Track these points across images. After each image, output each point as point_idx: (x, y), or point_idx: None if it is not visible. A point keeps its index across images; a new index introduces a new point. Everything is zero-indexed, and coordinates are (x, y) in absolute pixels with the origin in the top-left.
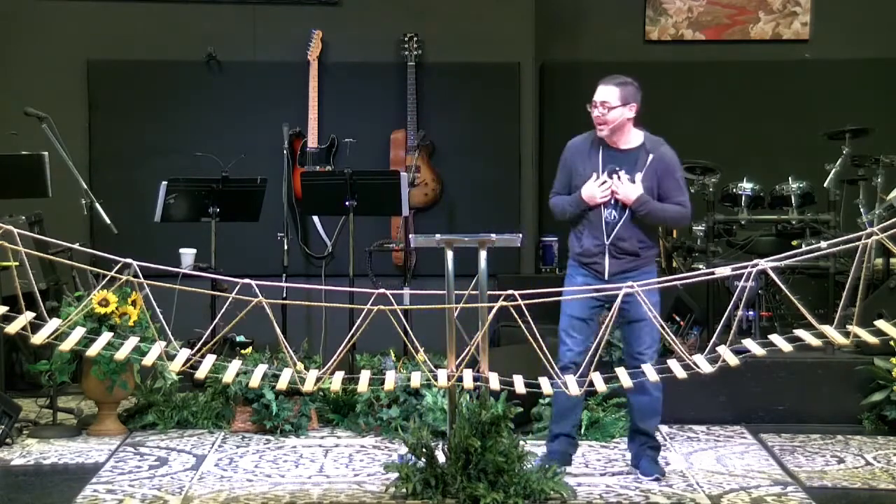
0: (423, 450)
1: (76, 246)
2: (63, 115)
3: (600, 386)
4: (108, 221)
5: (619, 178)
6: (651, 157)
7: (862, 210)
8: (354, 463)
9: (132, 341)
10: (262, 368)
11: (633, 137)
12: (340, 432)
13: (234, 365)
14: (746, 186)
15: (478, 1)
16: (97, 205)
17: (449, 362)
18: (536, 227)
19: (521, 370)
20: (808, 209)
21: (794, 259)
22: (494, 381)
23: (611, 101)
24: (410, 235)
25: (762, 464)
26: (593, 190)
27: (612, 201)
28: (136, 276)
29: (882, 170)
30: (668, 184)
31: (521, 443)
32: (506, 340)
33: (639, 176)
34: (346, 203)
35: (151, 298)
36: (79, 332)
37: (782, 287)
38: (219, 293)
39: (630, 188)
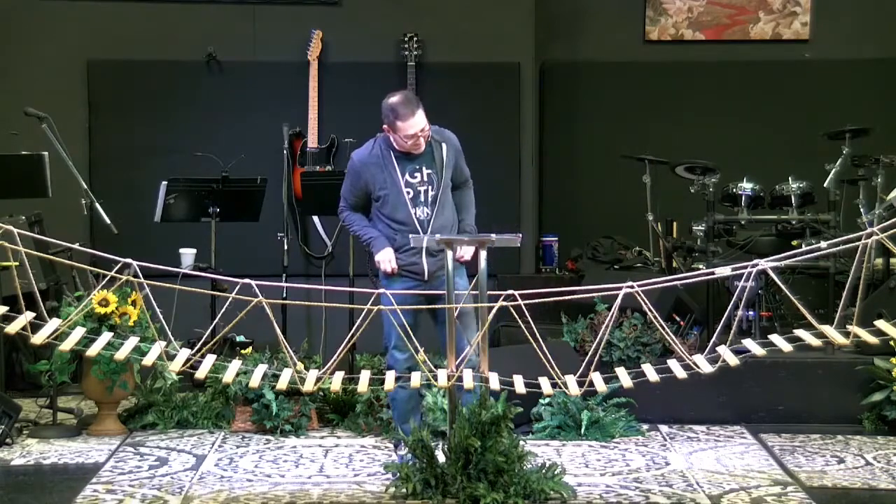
0: (423, 450)
1: (76, 246)
2: (63, 115)
3: (600, 386)
4: (108, 221)
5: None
6: (444, 146)
7: (862, 210)
8: (354, 463)
9: (132, 341)
10: (262, 368)
11: None
12: (340, 432)
13: (234, 365)
14: (746, 186)
15: (478, 1)
16: (97, 205)
17: (449, 362)
18: (536, 227)
19: (521, 370)
20: (808, 209)
21: (794, 259)
22: (494, 381)
23: (426, 125)
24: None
25: (762, 464)
26: (386, 260)
27: (423, 198)
28: (136, 276)
29: (882, 170)
30: (460, 163)
31: (521, 443)
32: (506, 340)
33: (443, 168)
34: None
35: (151, 298)
36: (79, 332)
37: (782, 287)
38: (219, 293)
39: (468, 251)
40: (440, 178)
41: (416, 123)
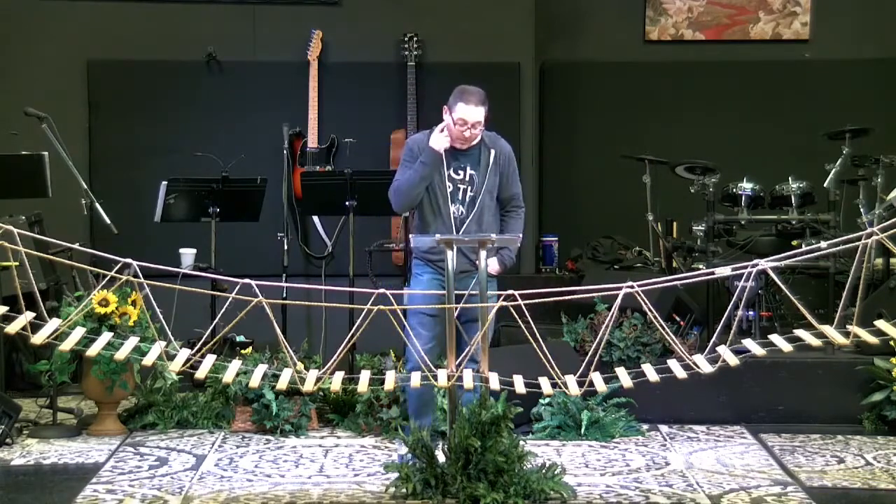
0: (423, 450)
1: (76, 246)
2: (63, 115)
3: (600, 386)
4: (108, 221)
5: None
6: (493, 152)
7: (862, 210)
8: (354, 463)
9: (132, 341)
10: (262, 368)
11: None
12: (340, 432)
13: (234, 365)
14: (746, 186)
15: (478, 1)
16: (97, 205)
17: (449, 362)
18: (536, 227)
19: (521, 370)
20: (808, 209)
21: (794, 259)
22: (494, 381)
23: (482, 121)
24: (410, 235)
25: (762, 464)
26: (440, 138)
27: (460, 196)
28: (136, 276)
29: (882, 170)
30: (509, 173)
31: (521, 443)
32: (506, 340)
33: (486, 172)
34: (346, 203)
35: (151, 298)
36: (79, 332)
37: (782, 287)
38: (219, 293)
39: (493, 266)
40: (481, 181)
41: (473, 113)
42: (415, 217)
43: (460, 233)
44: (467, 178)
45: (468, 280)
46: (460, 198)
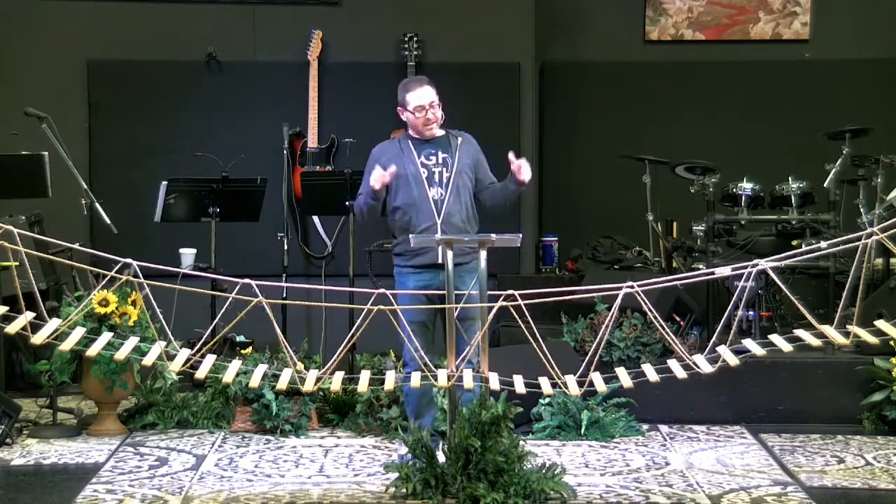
0: (423, 450)
1: (76, 246)
2: (63, 115)
3: (600, 386)
4: (108, 221)
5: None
6: (460, 138)
7: (862, 210)
8: (354, 463)
9: (132, 341)
10: (262, 368)
11: (437, 128)
12: (340, 432)
13: (234, 365)
14: (746, 186)
15: (478, 1)
16: (97, 205)
17: (449, 362)
18: (536, 227)
19: (521, 370)
20: (808, 209)
21: (794, 259)
22: (494, 381)
23: (436, 99)
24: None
25: (762, 464)
26: (376, 177)
27: (437, 178)
28: (136, 276)
29: (882, 170)
30: (482, 161)
31: (521, 443)
32: (506, 340)
33: (457, 153)
34: (346, 203)
35: (151, 298)
36: (79, 332)
37: (782, 287)
38: (219, 293)
39: (528, 169)
40: (455, 160)
41: (424, 95)
42: (392, 210)
43: (442, 214)
44: (440, 161)
45: (462, 273)
46: (437, 180)
